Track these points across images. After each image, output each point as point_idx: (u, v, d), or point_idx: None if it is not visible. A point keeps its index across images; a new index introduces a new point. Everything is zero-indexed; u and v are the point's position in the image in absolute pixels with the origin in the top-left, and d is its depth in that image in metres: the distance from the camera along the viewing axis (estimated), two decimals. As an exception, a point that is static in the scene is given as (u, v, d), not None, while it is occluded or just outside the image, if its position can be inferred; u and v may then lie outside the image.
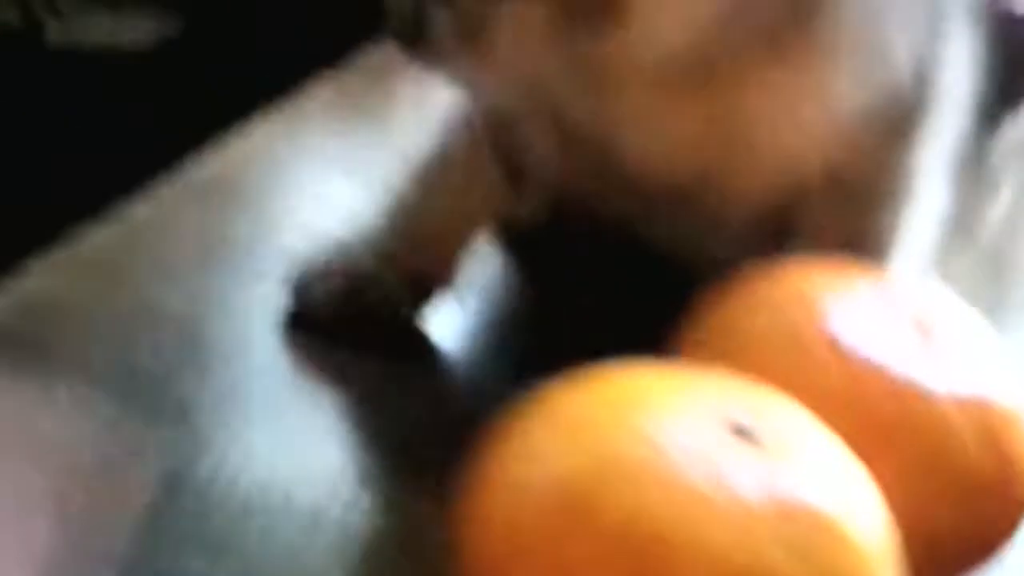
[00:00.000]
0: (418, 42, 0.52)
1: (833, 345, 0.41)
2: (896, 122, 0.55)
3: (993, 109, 0.63)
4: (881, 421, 0.39)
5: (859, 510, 0.34)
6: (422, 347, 0.57)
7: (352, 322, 0.57)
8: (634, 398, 0.36)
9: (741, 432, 0.34)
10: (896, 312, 0.43)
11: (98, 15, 1.06)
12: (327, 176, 0.71)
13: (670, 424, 0.35)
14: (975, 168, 0.62)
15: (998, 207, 0.65)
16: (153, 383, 0.50)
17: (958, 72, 0.59)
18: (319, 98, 0.79)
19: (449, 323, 0.57)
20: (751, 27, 0.51)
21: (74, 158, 1.01)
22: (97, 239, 0.58)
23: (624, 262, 0.60)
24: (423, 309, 0.57)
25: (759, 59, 0.52)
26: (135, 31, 1.07)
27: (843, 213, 0.57)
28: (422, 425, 0.51)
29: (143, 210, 0.61)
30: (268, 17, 1.07)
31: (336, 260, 0.59)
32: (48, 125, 1.01)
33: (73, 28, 1.05)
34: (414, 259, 0.58)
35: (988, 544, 0.40)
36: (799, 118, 0.53)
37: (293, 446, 0.49)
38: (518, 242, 0.62)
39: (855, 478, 0.35)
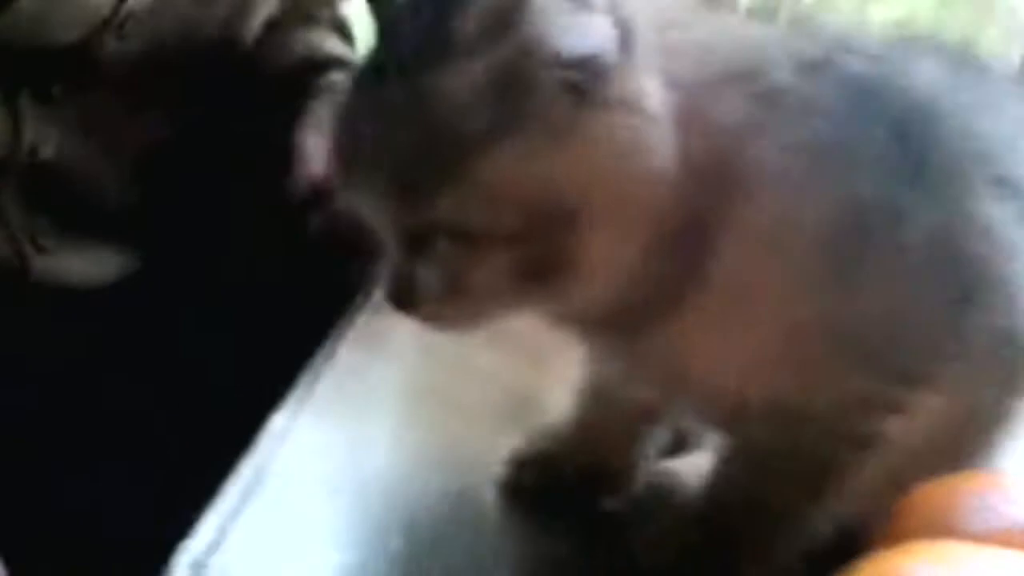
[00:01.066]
0: (412, 306, 0.64)
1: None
2: None
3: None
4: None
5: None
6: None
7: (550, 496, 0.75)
8: (947, 560, 0.49)
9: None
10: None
11: (72, 251, 1.12)
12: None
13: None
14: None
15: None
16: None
17: None
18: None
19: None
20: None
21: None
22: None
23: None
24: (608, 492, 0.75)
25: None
26: (103, 265, 1.14)
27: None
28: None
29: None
30: (227, 251, 1.16)
31: (536, 451, 0.77)
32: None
33: (54, 264, 1.11)
34: (588, 457, 0.76)
35: None
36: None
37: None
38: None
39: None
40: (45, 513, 1.01)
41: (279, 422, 0.79)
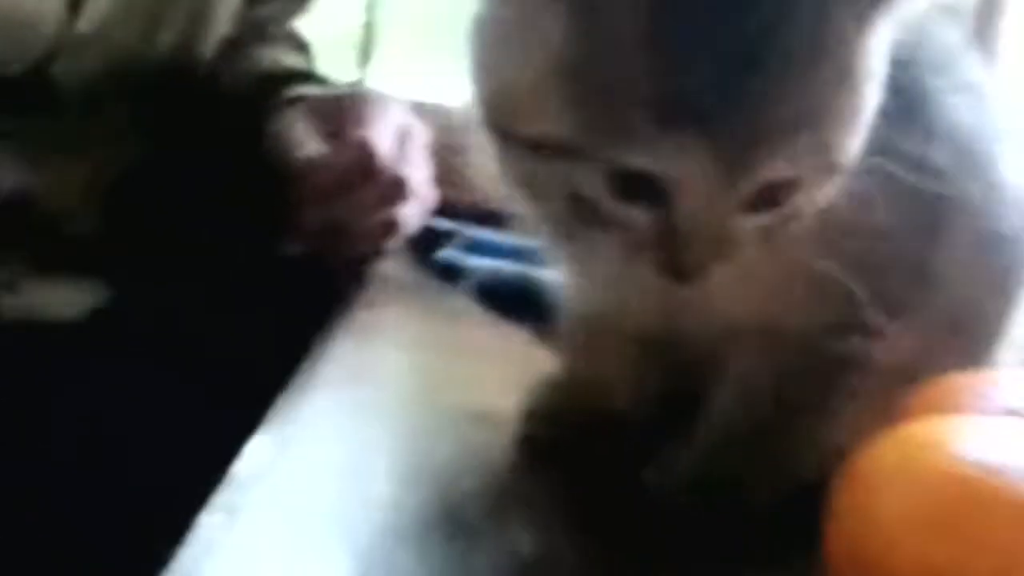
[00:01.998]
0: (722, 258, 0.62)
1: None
2: None
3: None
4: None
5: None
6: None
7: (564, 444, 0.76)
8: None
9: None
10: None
11: (42, 285, 1.09)
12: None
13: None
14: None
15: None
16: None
17: None
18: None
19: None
20: None
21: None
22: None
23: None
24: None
25: None
26: (74, 298, 1.11)
27: None
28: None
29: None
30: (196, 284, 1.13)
31: (542, 403, 0.79)
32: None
33: (25, 300, 1.08)
34: (592, 401, 0.79)
35: None
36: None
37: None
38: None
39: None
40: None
41: (286, 400, 0.78)
